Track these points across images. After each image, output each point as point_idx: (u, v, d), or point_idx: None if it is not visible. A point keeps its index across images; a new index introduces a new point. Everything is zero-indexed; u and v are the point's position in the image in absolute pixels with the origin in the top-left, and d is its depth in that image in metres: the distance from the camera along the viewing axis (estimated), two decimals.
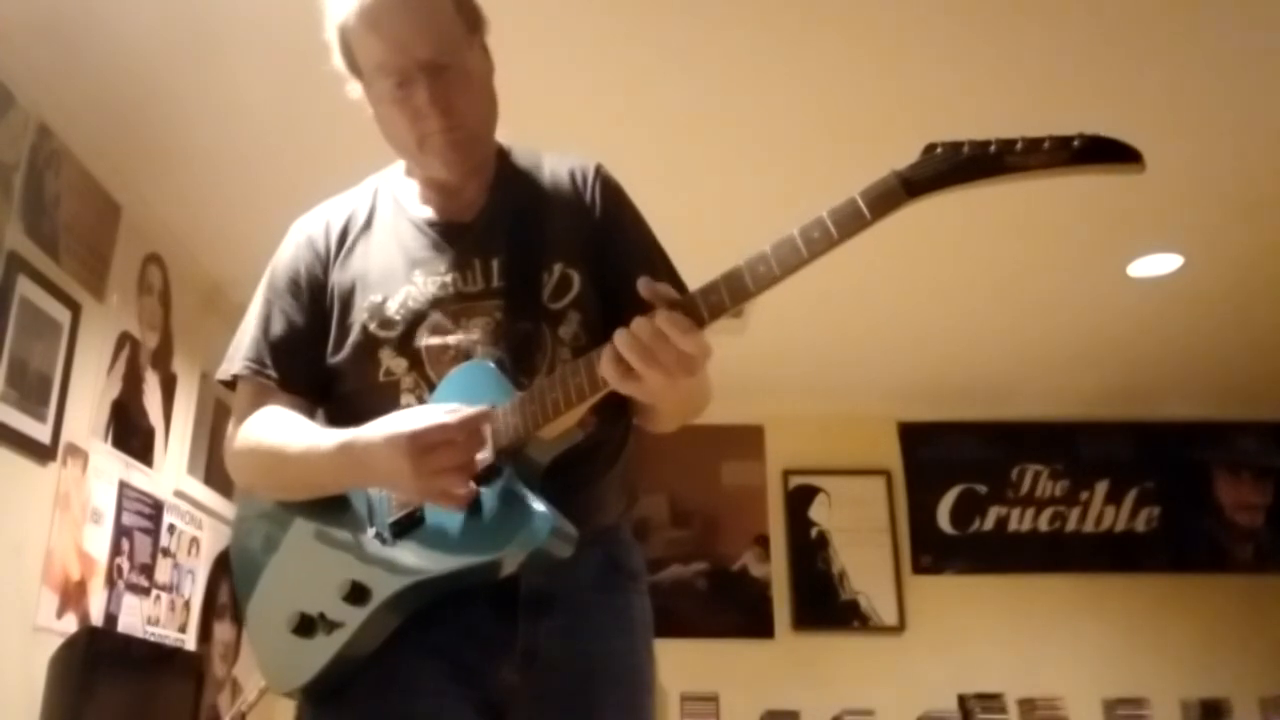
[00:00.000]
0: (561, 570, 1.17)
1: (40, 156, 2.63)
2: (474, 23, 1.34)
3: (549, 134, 1.49)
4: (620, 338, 1.08)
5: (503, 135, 1.43)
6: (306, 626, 1.23)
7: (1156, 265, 3.61)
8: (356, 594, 1.20)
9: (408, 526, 1.20)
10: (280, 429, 1.28)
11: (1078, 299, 3.86)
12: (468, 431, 1.14)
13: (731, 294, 1.06)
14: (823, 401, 4.73)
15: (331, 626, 1.21)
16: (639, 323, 1.07)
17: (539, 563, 1.15)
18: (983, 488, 4.82)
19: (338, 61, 1.34)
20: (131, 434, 3.08)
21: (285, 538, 1.32)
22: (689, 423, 1.34)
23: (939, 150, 1.01)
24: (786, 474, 4.78)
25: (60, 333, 2.70)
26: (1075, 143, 0.98)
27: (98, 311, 2.89)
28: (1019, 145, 0.98)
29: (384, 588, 1.19)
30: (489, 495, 1.16)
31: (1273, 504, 4.84)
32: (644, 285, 1.09)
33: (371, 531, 1.23)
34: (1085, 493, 4.82)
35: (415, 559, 1.19)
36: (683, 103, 2.76)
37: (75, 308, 2.75)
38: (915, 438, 4.86)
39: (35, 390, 2.58)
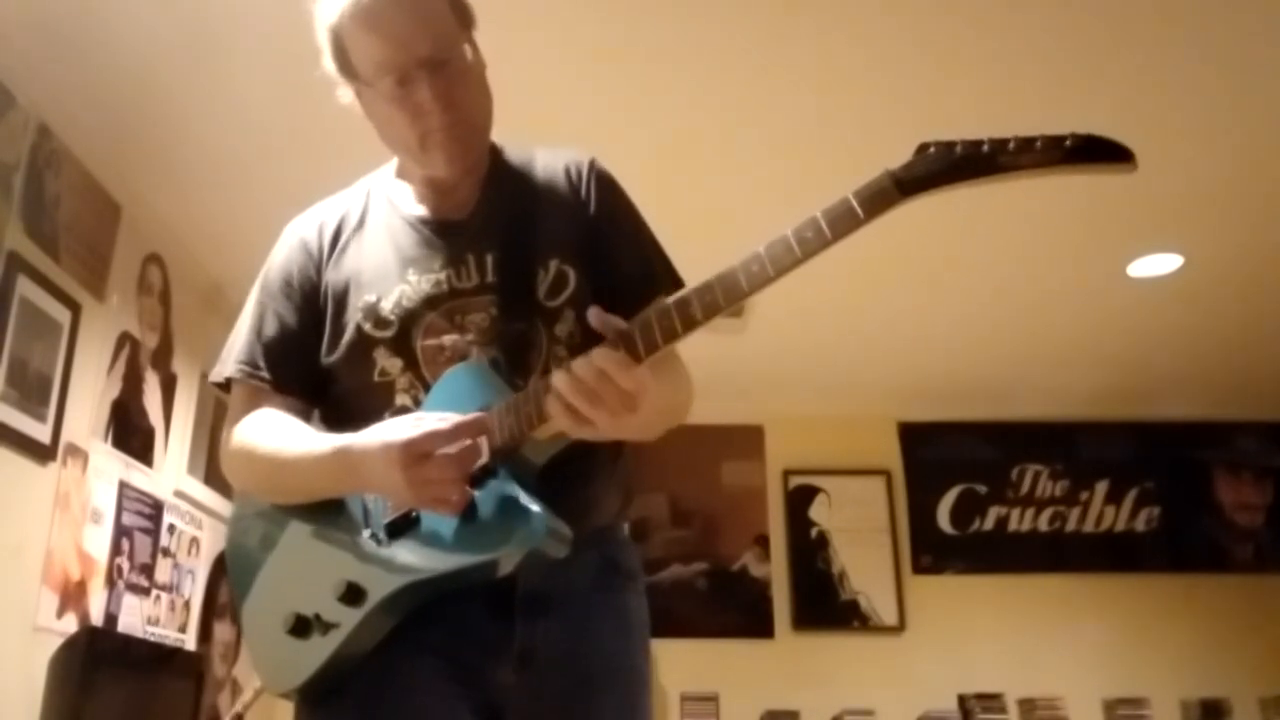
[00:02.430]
0: (558, 570, 1.18)
1: (40, 156, 2.63)
2: (466, 19, 1.33)
3: (543, 133, 1.49)
4: (561, 381, 1.07)
5: (497, 135, 1.42)
6: (302, 627, 1.23)
7: (1156, 265, 3.61)
8: (352, 595, 1.20)
9: (403, 527, 1.20)
10: (275, 433, 1.28)
11: (1078, 299, 3.86)
12: (462, 440, 1.13)
13: (726, 294, 1.06)
14: (823, 401, 4.73)
15: (327, 627, 1.21)
16: (579, 364, 1.07)
17: (535, 563, 1.15)
18: (983, 488, 4.82)
19: (328, 65, 1.33)
20: (131, 434, 3.08)
21: (280, 538, 1.32)
22: (673, 427, 1.32)
23: (932, 150, 1.02)
24: (786, 474, 4.79)
25: (60, 333, 2.70)
26: (1068, 142, 0.98)
27: (98, 311, 2.89)
28: (1011, 145, 0.99)
29: (380, 588, 1.19)
30: (484, 496, 1.16)
31: (1273, 504, 4.84)
32: (594, 315, 1.10)
33: (367, 532, 1.23)
34: (1085, 493, 4.83)
35: (411, 559, 1.19)
36: (676, 101, 2.76)
37: (75, 308, 2.75)
38: (915, 438, 4.87)
39: (35, 390, 2.58)
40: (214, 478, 3.56)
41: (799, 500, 4.76)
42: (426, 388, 1.25)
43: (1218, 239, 3.44)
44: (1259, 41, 2.52)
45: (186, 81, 2.62)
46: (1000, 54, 2.58)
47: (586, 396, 1.06)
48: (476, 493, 1.15)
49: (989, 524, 4.78)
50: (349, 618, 1.20)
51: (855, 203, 1.02)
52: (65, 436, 2.70)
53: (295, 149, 2.86)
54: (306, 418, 1.33)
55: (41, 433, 2.60)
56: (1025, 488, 4.83)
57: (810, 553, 4.70)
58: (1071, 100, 2.69)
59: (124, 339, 3.05)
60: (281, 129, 2.81)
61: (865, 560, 4.68)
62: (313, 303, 1.34)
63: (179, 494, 3.36)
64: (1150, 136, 2.71)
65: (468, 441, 1.14)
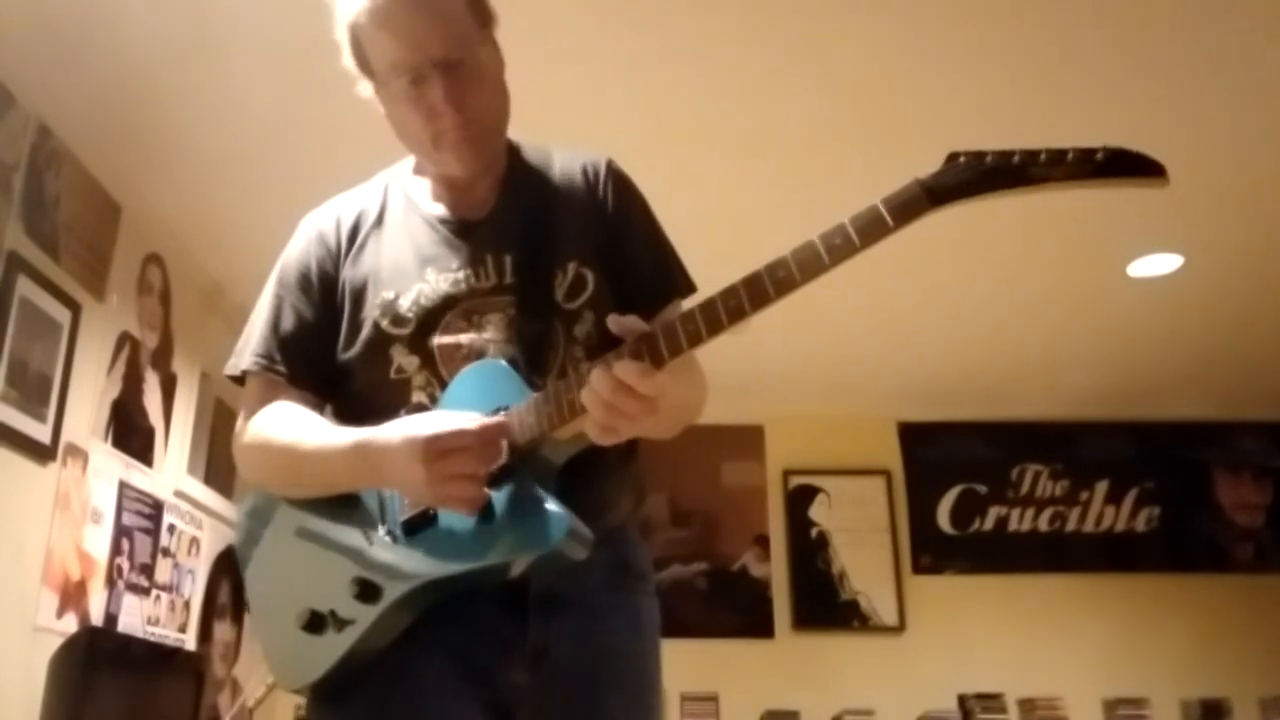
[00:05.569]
0: (572, 570, 1.17)
1: (40, 156, 2.62)
2: (484, 18, 1.33)
3: (556, 139, 1.49)
4: (587, 396, 1.08)
5: (512, 133, 1.42)
6: (317, 623, 1.22)
7: (1156, 265, 3.61)
8: (367, 592, 1.19)
9: (420, 525, 1.20)
10: (292, 425, 1.28)
11: (1078, 299, 3.86)
12: (485, 440, 1.13)
13: (751, 299, 1.05)
14: (823, 401, 4.73)
15: (342, 624, 1.21)
16: (597, 377, 1.07)
17: (552, 564, 1.15)
18: (983, 488, 4.83)
19: (348, 61, 1.33)
20: (131, 434, 3.08)
21: (295, 534, 1.31)
22: (689, 424, 1.33)
23: (962, 159, 1.01)
24: (786, 474, 4.79)
25: (60, 333, 2.69)
26: (1099, 155, 0.96)
27: (98, 311, 2.88)
28: (1042, 156, 0.97)
29: (395, 586, 1.19)
30: (502, 496, 1.15)
31: (1273, 504, 4.85)
32: (613, 323, 1.10)
33: (383, 529, 1.23)
34: (1085, 493, 4.83)
35: (427, 558, 1.18)
36: (696, 109, 2.77)
37: (75, 308, 2.75)
38: (915, 438, 4.87)
39: (35, 390, 2.58)
40: (214, 478, 3.56)
41: (799, 500, 4.76)
42: (443, 385, 1.25)
43: (1218, 239, 3.44)
44: (1259, 42, 2.52)
45: (186, 81, 2.62)
46: (1008, 61, 2.59)
47: (605, 408, 1.07)
48: (495, 493, 1.15)
49: (989, 524, 4.79)
50: (364, 615, 1.20)
51: (885, 211, 1.01)
52: (65, 436, 2.70)
53: (295, 149, 2.86)
54: (320, 412, 1.33)
55: (41, 433, 2.60)
56: (1025, 488, 4.83)
57: (810, 553, 4.70)
58: (1074, 102, 2.70)
59: (124, 339, 3.04)
60: (281, 129, 2.81)
61: (865, 560, 4.68)
62: (330, 297, 1.34)
63: (179, 494, 3.35)
64: (1151, 137, 2.71)
65: (491, 440, 1.14)
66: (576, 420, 1.13)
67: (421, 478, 1.12)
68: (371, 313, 1.30)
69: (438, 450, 1.11)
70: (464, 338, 1.26)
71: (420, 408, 1.24)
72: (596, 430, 1.09)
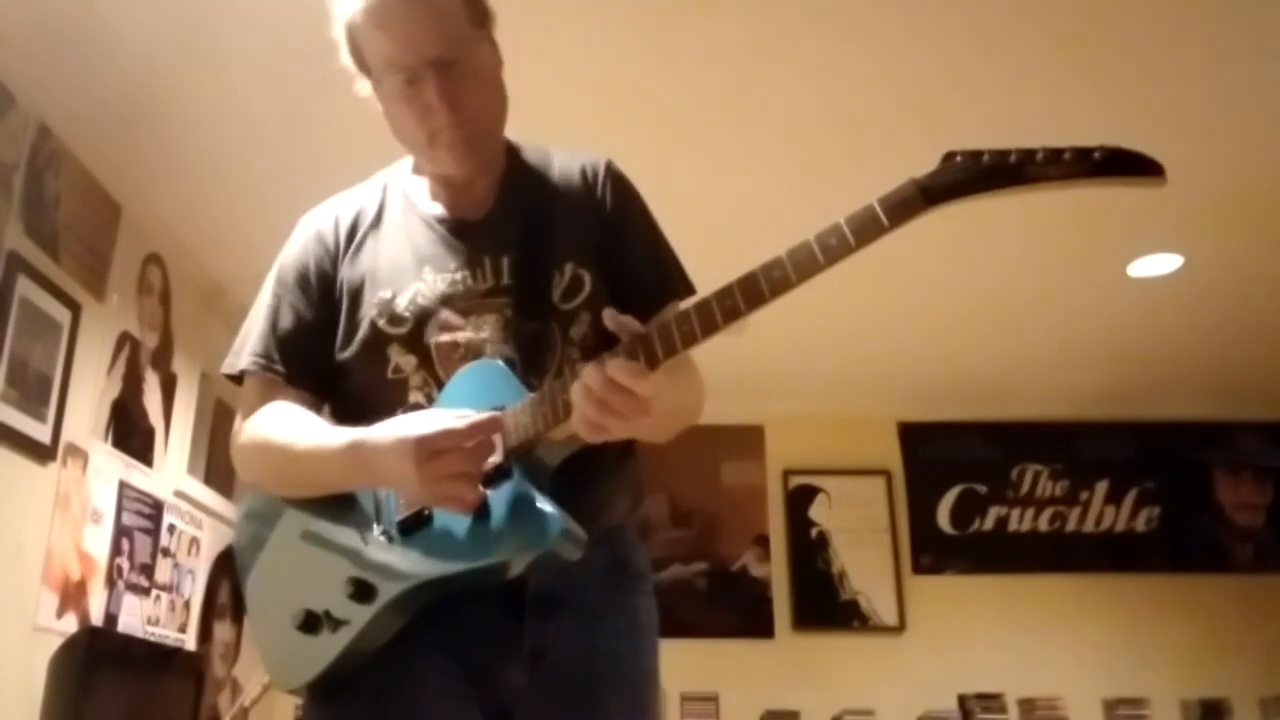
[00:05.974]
0: (569, 571, 1.17)
1: (40, 156, 2.63)
2: (481, 17, 1.33)
3: (555, 139, 1.49)
4: (577, 391, 1.07)
5: (512, 137, 1.42)
6: (312, 624, 1.22)
7: (1156, 265, 3.61)
8: (362, 592, 1.19)
9: (415, 525, 1.20)
10: (289, 426, 1.27)
11: (1078, 299, 3.86)
12: (477, 438, 1.13)
13: (746, 299, 1.05)
14: (823, 401, 4.73)
15: (337, 624, 1.21)
16: (590, 374, 1.06)
17: (547, 564, 1.15)
18: (983, 488, 4.82)
19: (345, 59, 1.33)
20: (131, 434, 3.08)
21: (291, 534, 1.31)
22: (686, 427, 1.32)
23: (958, 159, 1.00)
24: (786, 474, 4.79)
25: (60, 333, 2.69)
26: (1096, 154, 0.96)
27: (98, 311, 2.88)
28: (1039, 155, 0.97)
29: (390, 586, 1.19)
30: (498, 496, 1.15)
31: (1273, 504, 4.84)
32: (609, 318, 1.09)
33: (378, 529, 1.23)
34: (1085, 493, 4.82)
35: (422, 559, 1.18)
36: (694, 109, 2.77)
37: (75, 308, 2.75)
38: (915, 438, 4.86)
39: (35, 390, 2.58)
40: (214, 478, 3.56)
41: (799, 500, 4.76)
42: (440, 386, 1.25)
43: (1218, 239, 3.44)
44: (1259, 42, 2.52)
45: (186, 81, 2.62)
46: (1008, 59, 2.59)
47: (598, 406, 1.06)
48: (490, 492, 1.15)
49: (989, 524, 4.78)
50: (359, 615, 1.20)
51: (880, 210, 1.01)
52: (65, 436, 2.70)
53: (295, 149, 2.86)
54: (317, 412, 1.33)
55: (41, 433, 2.60)
56: (1025, 488, 4.83)
57: (810, 553, 4.70)
58: (1074, 102, 2.69)
59: (124, 339, 3.04)
60: (281, 129, 2.81)
61: (865, 560, 4.67)
62: (328, 297, 1.34)
63: (179, 494, 3.35)
64: (1151, 137, 2.71)
65: (483, 438, 1.13)
66: (571, 420, 1.12)
67: (414, 478, 1.12)
68: (369, 312, 1.30)
69: (429, 450, 1.11)
70: (461, 336, 1.26)
71: (417, 408, 1.24)
72: (585, 427, 1.08)
